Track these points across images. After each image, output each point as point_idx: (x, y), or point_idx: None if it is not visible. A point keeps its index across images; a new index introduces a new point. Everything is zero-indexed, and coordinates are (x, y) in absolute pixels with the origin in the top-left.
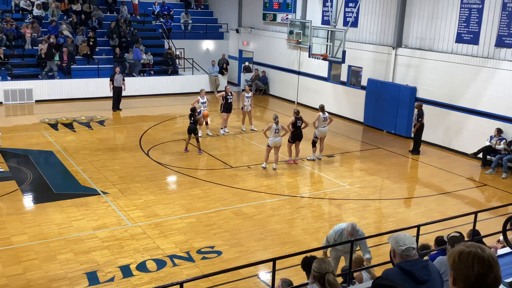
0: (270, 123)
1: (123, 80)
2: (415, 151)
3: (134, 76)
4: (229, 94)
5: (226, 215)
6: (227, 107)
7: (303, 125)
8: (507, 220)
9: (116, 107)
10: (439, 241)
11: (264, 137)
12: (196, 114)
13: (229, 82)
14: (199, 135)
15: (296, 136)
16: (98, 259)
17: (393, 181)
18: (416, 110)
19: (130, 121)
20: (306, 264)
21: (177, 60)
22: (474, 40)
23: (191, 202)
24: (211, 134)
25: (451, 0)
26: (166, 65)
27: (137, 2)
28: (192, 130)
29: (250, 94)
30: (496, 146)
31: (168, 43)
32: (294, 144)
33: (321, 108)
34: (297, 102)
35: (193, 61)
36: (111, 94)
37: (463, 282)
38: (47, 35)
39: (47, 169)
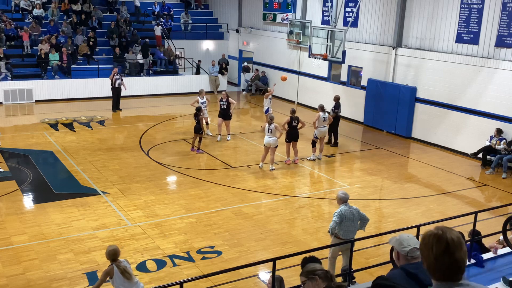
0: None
1: (122, 80)
2: (331, 142)
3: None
4: (223, 100)
5: (226, 215)
6: (221, 113)
7: (299, 125)
8: (507, 220)
9: (115, 107)
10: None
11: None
12: (201, 114)
13: (229, 82)
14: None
15: (291, 135)
16: (98, 259)
17: (393, 181)
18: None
19: (130, 121)
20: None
21: (177, 60)
22: (474, 40)
23: (191, 202)
24: (211, 134)
25: (451, 0)
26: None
27: (159, 34)
28: (199, 129)
29: (271, 96)
30: (496, 146)
31: (168, 43)
32: (291, 144)
33: (321, 108)
34: (297, 102)
35: (193, 61)
36: (111, 94)
37: (426, 263)
38: (47, 35)
39: (47, 169)
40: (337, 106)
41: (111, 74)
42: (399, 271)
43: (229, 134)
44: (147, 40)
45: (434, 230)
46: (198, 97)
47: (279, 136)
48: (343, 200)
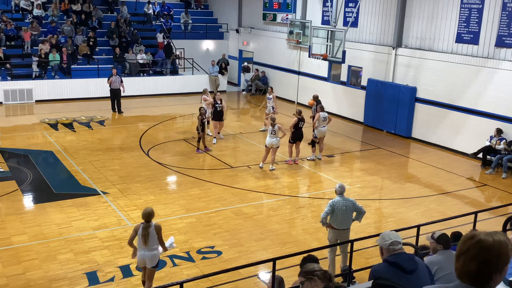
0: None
1: (121, 82)
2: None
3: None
4: (217, 102)
5: (226, 215)
6: (217, 115)
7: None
8: (507, 220)
9: (115, 109)
10: (456, 236)
11: (264, 137)
12: (204, 114)
13: (229, 82)
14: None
15: (296, 136)
16: (98, 259)
17: (393, 181)
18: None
19: (130, 121)
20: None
21: (177, 60)
22: (474, 40)
23: (191, 202)
24: (211, 134)
25: (451, 0)
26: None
27: (162, 40)
28: (197, 128)
29: (271, 96)
30: (496, 146)
31: (168, 43)
32: (294, 145)
33: (321, 108)
34: (297, 102)
35: (193, 61)
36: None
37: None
38: (48, 35)
39: (47, 169)
40: (319, 104)
41: (109, 76)
42: (383, 263)
43: (219, 133)
44: (172, 44)
45: (476, 231)
46: (205, 96)
47: (281, 136)
48: (338, 192)
